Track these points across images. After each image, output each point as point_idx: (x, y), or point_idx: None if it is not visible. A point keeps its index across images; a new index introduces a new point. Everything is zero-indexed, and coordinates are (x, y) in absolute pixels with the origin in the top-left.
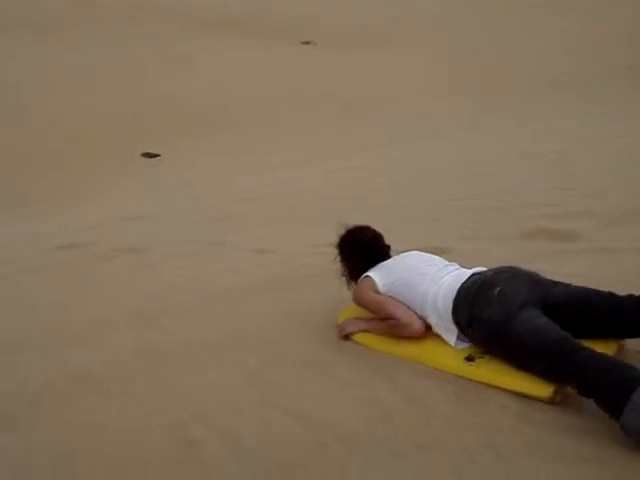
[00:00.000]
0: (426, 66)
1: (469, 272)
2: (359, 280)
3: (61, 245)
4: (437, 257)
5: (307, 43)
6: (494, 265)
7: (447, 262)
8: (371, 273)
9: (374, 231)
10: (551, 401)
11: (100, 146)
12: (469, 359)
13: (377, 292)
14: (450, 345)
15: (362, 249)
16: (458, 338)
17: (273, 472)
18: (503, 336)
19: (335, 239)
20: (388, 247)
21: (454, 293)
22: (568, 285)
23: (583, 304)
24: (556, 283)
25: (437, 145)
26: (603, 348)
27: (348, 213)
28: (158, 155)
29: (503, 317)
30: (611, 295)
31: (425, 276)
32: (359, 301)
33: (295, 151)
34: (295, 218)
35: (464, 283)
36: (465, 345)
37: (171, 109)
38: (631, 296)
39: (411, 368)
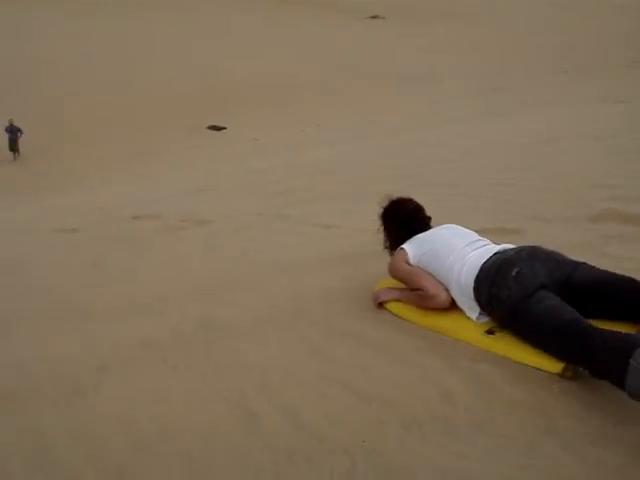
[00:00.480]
0: (495, 39)
1: (494, 250)
2: (395, 252)
3: (130, 215)
4: (470, 231)
5: (376, 17)
6: (563, 248)
7: (478, 237)
8: (405, 245)
9: (415, 203)
10: (561, 376)
11: (167, 117)
12: (489, 332)
13: (409, 263)
14: (472, 319)
15: (402, 220)
16: (480, 314)
17: (332, 447)
18: (520, 316)
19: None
20: (429, 219)
21: (476, 271)
22: (592, 267)
23: (604, 287)
24: (578, 264)
25: (505, 122)
26: (625, 329)
27: (414, 190)
28: (224, 128)
29: (520, 298)
30: (632, 280)
31: (453, 250)
32: (392, 272)
33: (361, 125)
34: (361, 194)
35: (486, 262)
36: (486, 319)
37: (239, 82)
38: None
39: (469, 350)
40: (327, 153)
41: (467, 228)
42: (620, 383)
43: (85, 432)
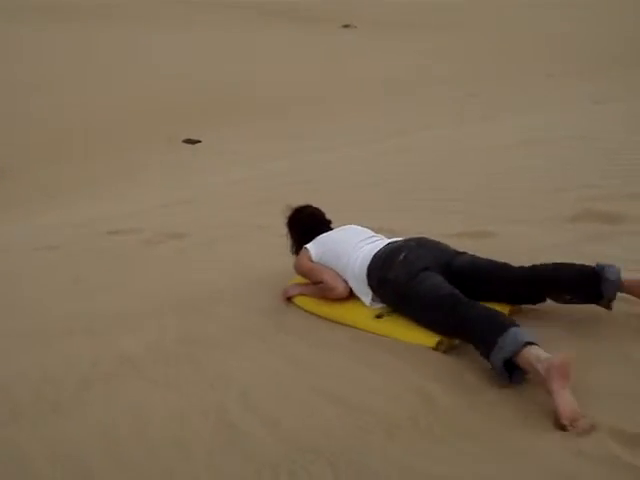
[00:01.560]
0: (473, 45)
1: (386, 242)
2: (300, 252)
3: (107, 231)
4: (367, 230)
5: (347, 27)
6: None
7: (372, 234)
8: (308, 245)
9: (313, 209)
10: (436, 349)
11: (143, 131)
12: (379, 316)
13: (311, 261)
14: (366, 305)
15: (302, 224)
16: (373, 299)
17: (315, 458)
18: (405, 295)
19: (387, 224)
20: (329, 222)
21: (369, 260)
22: (471, 255)
23: (480, 272)
24: (460, 253)
25: (488, 126)
26: (498, 309)
27: (393, 196)
28: (199, 141)
29: (405, 279)
30: (504, 265)
31: (349, 246)
32: (297, 269)
33: (340, 134)
34: (341, 202)
35: (378, 251)
36: (379, 305)
37: (216, 94)
38: (522, 267)
39: (455, 357)
40: (306, 163)
41: (366, 227)
42: (486, 356)
43: (65, 451)
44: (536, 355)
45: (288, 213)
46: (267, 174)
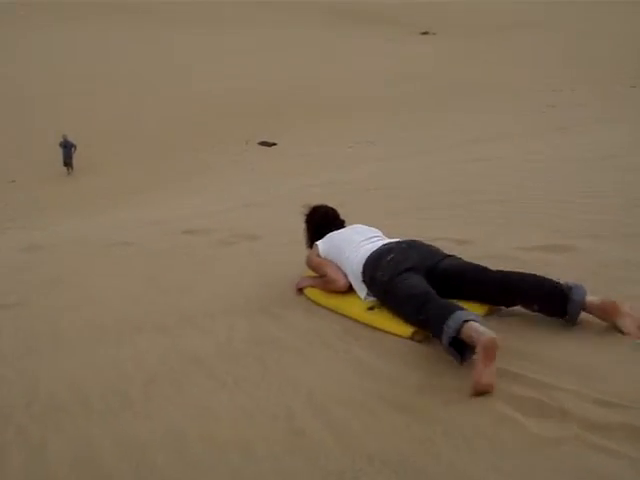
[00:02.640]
0: (550, 52)
1: (384, 242)
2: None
3: (182, 230)
4: (371, 229)
5: (426, 33)
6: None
7: (375, 234)
8: (318, 242)
9: (327, 209)
10: (411, 339)
11: (219, 132)
12: (370, 309)
13: (319, 256)
14: (361, 299)
15: (316, 222)
16: (367, 294)
17: (381, 468)
18: (389, 291)
19: (453, 233)
20: (342, 221)
21: (365, 259)
22: (458, 259)
23: (460, 274)
24: (448, 256)
25: (564, 137)
26: (477, 309)
27: (457, 209)
28: (274, 144)
29: (390, 277)
30: (483, 269)
31: (351, 244)
32: (307, 263)
33: (411, 141)
34: (410, 209)
35: (373, 252)
36: (372, 299)
37: (290, 98)
38: (498, 272)
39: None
40: (377, 169)
41: (372, 227)
42: (439, 339)
43: (133, 445)
44: (475, 328)
45: (306, 211)
46: (344, 179)
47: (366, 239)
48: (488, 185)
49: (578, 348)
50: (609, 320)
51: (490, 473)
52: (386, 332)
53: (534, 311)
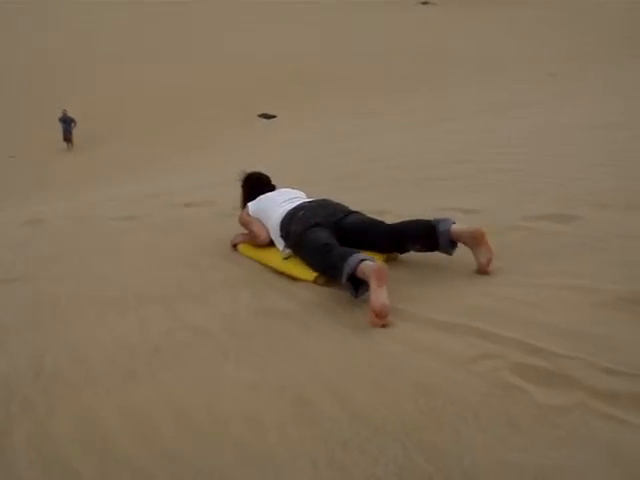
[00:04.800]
0: (554, 23)
1: (300, 202)
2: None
3: (184, 203)
4: (294, 191)
5: (426, 3)
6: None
7: (297, 196)
8: (249, 203)
9: (260, 175)
10: (315, 283)
11: (219, 107)
12: (286, 259)
13: (249, 215)
14: (280, 251)
15: (248, 187)
16: (285, 247)
17: (387, 437)
18: (299, 243)
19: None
20: (272, 186)
21: (282, 216)
22: (361, 215)
23: (360, 228)
24: (352, 213)
25: (566, 107)
26: (375, 258)
27: (464, 179)
28: (274, 116)
29: (300, 231)
30: (378, 223)
31: (274, 204)
32: (239, 221)
33: (415, 112)
34: (414, 179)
35: (289, 210)
36: (289, 251)
37: (290, 71)
38: (388, 224)
39: None
40: (380, 140)
41: (298, 189)
42: (339, 281)
43: (138, 417)
44: (367, 265)
45: (241, 177)
46: (344, 150)
47: (287, 200)
48: (493, 155)
49: (583, 317)
50: (474, 247)
51: (497, 443)
52: (295, 278)
53: (418, 251)
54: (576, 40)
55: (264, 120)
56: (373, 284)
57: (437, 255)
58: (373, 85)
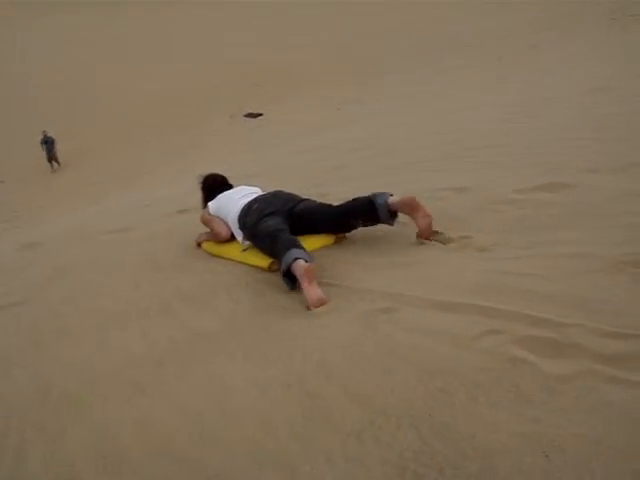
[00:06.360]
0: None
1: (255, 195)
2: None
3: (177, 210)
4: (251, 188)
5: None
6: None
7: (252, 191)
8: (209, 202)
9: (216, 176)
10: (269, 270)
11: (203, 109)
12: (244, 250)
13: (210, 214)
14: (239, 243)
15: (207, 188)
16: (243, 239)
17: (399, 423)
18: (254, 234)
19: (451, 182)
20: (229, 185)
21: (239, 210)
22: (312, 202)
23: (310, 212)
24: (303, 200)
25: (547, 78)
26: (325, 239)
27: (452, 159)
28: (260, 114)
29: (255, 221)
30: (327, 206)
31: (232, 201)
32: (200, 220)
33: (398, 97)
34: (402, 167)
35: (246, 203)
36: (247, 243)
37: (272, 66)
38: (335, 206)
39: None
40: (367, 128)
41: (255, 186)
42: (280, 267)
43: (150, 428)
44: (297, 264)
45: (200, 179)
46: (336, 141)
47: (244, 195)
48: (480, 131)
49: (585, 283)
50: (411, 214)
51: (510, 418)
52: (252, 266)
53: (364, 225)
54: (553, 11)
55: (251, 119)
56: (303, 283)
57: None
58: (352, 74)
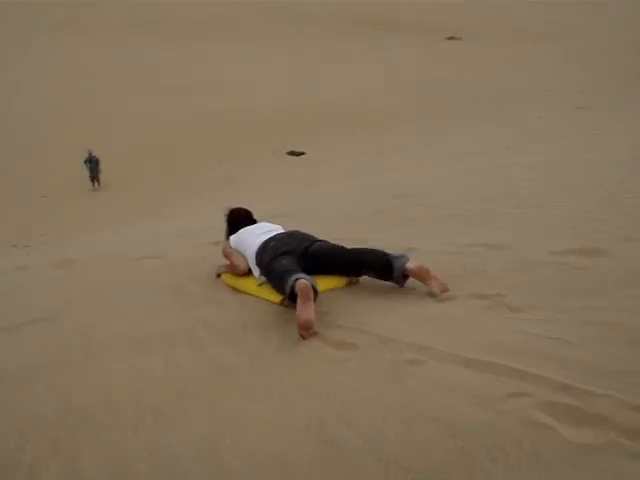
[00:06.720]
0: (581, 57)
1: (274, 233)
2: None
3: (211, 242)
4: (272, 225)
5: (452, 39)
6: None
7: (272, 228)
8: (231, 236)
9: (241, 210)
10: (281, 305)
11: (245, 144)
12: (260, 285)
13: (230, 248)
14: (256, 278)
15: (232, 222)
16: (260, 274)
17: (414, 478)
18: (268, 270)
19: (485, 239)
20: (253, 220)
21: (257, 247)
22: (326, 243)
23: (325, 254)
24: (318, 241)
25: (594, 140)
26: (337, 281)
27: (489, 215)
28: (303, 153)
29: (269, 259)
30: (340, 249)
31: (252, 236)
32: (222, 252)
33: (442, 148)
34: (443, 216)
35: (264, 240)
36: (263, 278)
37: (318, 108)
38: (349, 250)
39: None
40: (405, 177)
41: (277, 224)
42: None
43: (166, 457)
44: (298, 283)
45: (226, 212)
46: (372, 186)
47: (263, 232)
48: (517, 190)
49: (612, 352)
50: (424, 282)
51: None
52: (266, 301)
53: (373, 278)
54: (602, 74)
55: (292, 157)
56: (299, 300)
57: (462, 290)
58: (395, 119)
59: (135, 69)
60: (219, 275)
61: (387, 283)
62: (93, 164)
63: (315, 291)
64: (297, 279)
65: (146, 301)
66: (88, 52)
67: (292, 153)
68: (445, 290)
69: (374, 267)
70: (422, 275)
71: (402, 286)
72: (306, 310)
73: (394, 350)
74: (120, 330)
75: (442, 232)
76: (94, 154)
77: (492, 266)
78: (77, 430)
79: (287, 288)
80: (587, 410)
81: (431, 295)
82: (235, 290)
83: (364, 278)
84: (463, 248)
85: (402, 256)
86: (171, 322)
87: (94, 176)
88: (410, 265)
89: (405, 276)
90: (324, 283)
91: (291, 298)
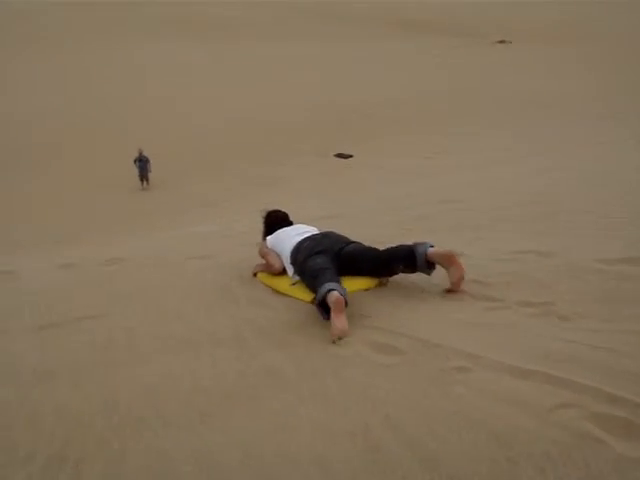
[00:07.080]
0: (619, 62)
1: (309, 234)
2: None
3: (257, 242)
4: (307, 227)
5: (502, 42)
6: None
7: (307, 229)
8: (268, 236)
9: (278, 212)
10: (312, 304)
11: (293, 145)
12: (293, 284)
13: (267, 248)
14: (290, 277)
15: (269, 223)
16: (294, 273)
17: None
18: (303, 269)
19: (534, 245)
20: (290, 222)
21: (292, 247)
22: (359, 244)
23: (358, 255)
24: (352, 242)
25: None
26: (369, 282)
27: (538, 221)
28: (351, 156)
29: (303, 258)
30: (373, 250)
31: (288, 237)
32: (258, 252)
33: (490, 152)
34: (489, 221)
35: (299, 241)
36: (297, 278)
37: (365, 110)
38: (380, 250)
39: None
40: (454, 181)
41: (312, 226)
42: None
43: (209, 460)
44: (331, 295)
45: (263, 214)
46: (420, 189)
47: (298, 234)
48: (565, 196)
49: None
50: (446, 267)
51: None
52: (299, 299)
53: (402, 271)
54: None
55: (340, 159)
56: (332, 313)
57: (510, 298)
58: (444, 124)
59: (181, 70)
60: (255, 274)
61: (422, 283)
62: (143, 163)
63: (346, 302)
64: (329, 290)
65: (192, 302)
66: (151, 52)
67: (340, 155)
68: (461, 280)
69: (399, 257)
70: (445, 259)
71: (429, 274)
72: (341, 321)
73: (440, 356)
74: (166, 330)
75: (489, 237)
76: (144, 153)
77: (541, 273)
78: (123, 429)
79: (319, 296)
80: (637, 422)
81: (451, 288)
82: (273, 290)
83: (396, 280)
84: (512, 255)
85: (424, 243)
86: (217, 324)
87: (143, 175)
88: (432, 250)
89: (431, 264)
90: (355, 284)
91: (322, 305)
